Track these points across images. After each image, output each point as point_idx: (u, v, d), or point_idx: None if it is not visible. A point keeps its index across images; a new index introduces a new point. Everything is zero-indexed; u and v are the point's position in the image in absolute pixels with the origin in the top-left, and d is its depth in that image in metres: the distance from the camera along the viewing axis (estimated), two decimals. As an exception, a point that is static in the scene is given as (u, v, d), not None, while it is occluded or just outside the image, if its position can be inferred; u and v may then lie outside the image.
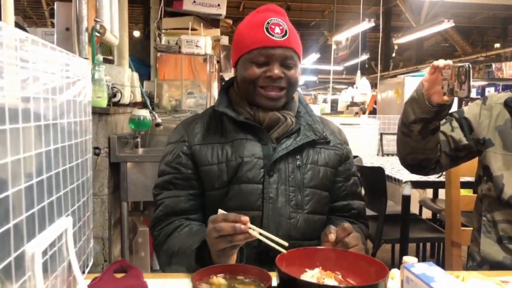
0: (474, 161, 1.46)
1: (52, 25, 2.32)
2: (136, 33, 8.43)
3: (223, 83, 1.28)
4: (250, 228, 0.86)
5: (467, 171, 1.65)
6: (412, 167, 1.44)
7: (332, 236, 0.95)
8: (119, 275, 0.90)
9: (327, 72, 9.48)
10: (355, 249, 0.93)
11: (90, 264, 0.92)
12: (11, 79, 0.54)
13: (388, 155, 3.13)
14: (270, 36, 1.09)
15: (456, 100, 1.45)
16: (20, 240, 0.56)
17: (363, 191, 1.36)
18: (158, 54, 3.70)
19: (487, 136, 1.35)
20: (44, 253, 0.63)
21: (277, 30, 1.10)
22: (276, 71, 1.09)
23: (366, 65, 8.00)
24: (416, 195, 2.55)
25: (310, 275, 0.78)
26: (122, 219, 2.37)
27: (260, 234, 0.87)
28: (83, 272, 0.85)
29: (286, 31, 1.11)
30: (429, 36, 11.30)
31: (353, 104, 4.90)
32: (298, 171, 1.14)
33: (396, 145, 1.46)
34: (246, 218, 0.86)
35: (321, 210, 1.17)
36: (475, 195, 1.55)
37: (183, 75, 3.80)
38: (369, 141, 3.28)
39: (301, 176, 1.14)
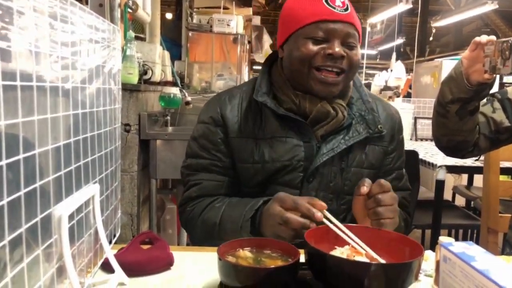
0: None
1: (87, 2, 2.34)
2: (169, 15, 8.45)
3: (263, 61, 1.15)
4: (325, 217, 0.79)
5: (507, 155, 1.57)
6: (447, 150, 1.38)
7: (364, 189, 0.86)
8: (145, 247, 0.90)
9: (367, 56, 9.27)
10: (388, 213, 0.85)
11: (118, 234, 0.92)
12: (41, 38, 0.52)
13: (422, 139, 3.03)
14: (331, 8, 0.94)
15: (497, 81, 1.37)
16: (47, 203, 0.55)
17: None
18: (190, 34, 3.68)
19: None
20: (71, 217, 0.62)
21: (338, 2, 0.95)
22: (337, 48, 0.95)
23: (401, 50, 7.74)
24: (450, 181, 2.46)
25: (339, 252, 0.75)
26: (151, 196, 2.40)
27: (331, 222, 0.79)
28: (110, 242, 0.85)
29: (347, 4, 0.97)
30: (468, 21, 10.80)
31: (386, 88, 4.76)
32: (341, 176, 1.04)
33: (431, 126, 1.40)
34: (322, 205, 0.79)
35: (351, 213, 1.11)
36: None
37: (214, 57, 3.78)
38: (404, 126, 3.17)
39: (343, 181, 1.04)
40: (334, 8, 0.94)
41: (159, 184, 2.62)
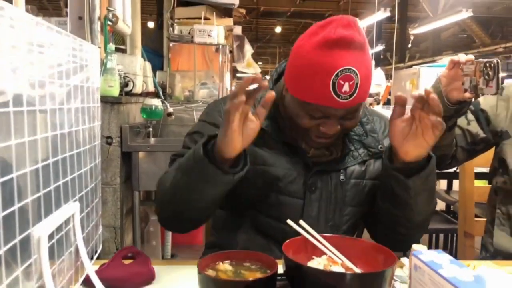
0: (489, 152, 1.43)
1: (67, 15, 2.34)
2: (150, 24, 8.45)
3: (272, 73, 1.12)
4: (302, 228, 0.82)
5: (481, 162, 1.62)
6: None
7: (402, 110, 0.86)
8: (127, 261, 0.91)
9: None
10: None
11: (99, 250, 0.93)
12: (18, 62, 0.54)
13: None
14: (335, 96, 0.86)
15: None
16: (26, 223, 0.56)
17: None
18: (171, 44, 3.70)
19: (504, 128, 1.31)
20: (51, 237, 0.63)
21: (346, 88, 0.86)
22: (333, 129, 0.93)
23: (381, 56, 7.88)
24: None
25: (316, 263, 0.77)
26: (134, 208, 2.40)
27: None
28: (92, 258, 0.86)
29: (356, 86, 0.87)
30: (446, 27, 11.05)
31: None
32: (341, 188, 1.02)
33: None
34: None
35: (357, 227, 1.11)
36: (489, 185, 1.52)
37: (196, 65, 3.79)
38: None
39: (344, 193, 1.02)
40: (339, 96, 0.87)
41: (142, 196, 2.61)
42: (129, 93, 2.48)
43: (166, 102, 2.61)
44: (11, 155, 0.52)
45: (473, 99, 1.18)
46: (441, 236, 2.93)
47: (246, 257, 0.79)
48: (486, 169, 1.86)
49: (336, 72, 0.85)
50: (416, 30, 6.65)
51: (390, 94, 4.42)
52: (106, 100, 2.18)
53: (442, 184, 2.75)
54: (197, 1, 3.74)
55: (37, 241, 0.58)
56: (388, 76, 5.87)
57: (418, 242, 0.89)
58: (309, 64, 0.88)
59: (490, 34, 12.71)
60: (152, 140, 2.51)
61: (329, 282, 0.67)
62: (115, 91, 2.19)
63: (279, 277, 0.74)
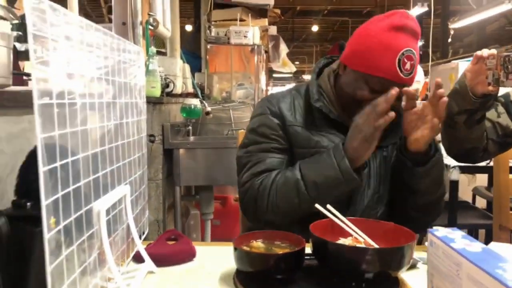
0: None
1: (110, 21, 2.49)
2: (188, 27, 8.69)
3: (315, 65, 1.26)
4: (330, 212, 0.90)
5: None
6: (458, 157, 1.43)
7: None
8: (170, 242, 1.01)
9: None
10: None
11: (146, 232, 1.03)
12: (79, 62, 0.64)
13: (440, 141, 3.06)
14: (400, 72, 1.01)
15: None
16: (88, 199, 0.67)
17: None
18: (208, 46, 3.83)
19: None
20: (107, 213, 0.73)
21: (408, 66, 1.01)
22: (386, 105, 0.99)
23: (421, 52, 7.70)
24: (466, 182, 2.49)
25: (341, 242, 0.84)
26: (176, 202, 2.53)
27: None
28: (140, 238, 0.96)
29: (414, 67, 1.03)
30: (492, 20, 10.62)
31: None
32: (384, 163, 1.14)
33: (441, 137, 1.45)
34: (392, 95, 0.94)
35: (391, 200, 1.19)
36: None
37: (233, 67, 3.91)
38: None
39: (386, 168, 1.14)
40: (402, 72, 1.01)
41: (183, 191, 2.74)
42: (170, 94, 2.62)
43: (204, 102, 2.72)
44: (77, 140, 0.62)
45: (498, 93, 1.22)
46: (482, 232, 2.89)
47: (276, 236, 0.87)
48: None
49: (402, 51, 1.01)
50: (455, 25, 6.46)
51: (428, 90, 4.35)
52: (148, 101, 2.30)
53: (478, 179, 2.70)
54: (233, 3, 3.86)
55: (97, 214, 0.69)
56: (427, 73, 5.76)
57: (429, 225, 1.01)
58: (378, 42, 1.03)
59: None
60: (191, 138, 2.63)
61: (351, 257, 0.74)
62: (157, 92, 2.33)
63: (307, 257, 0.82)
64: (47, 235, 0.52)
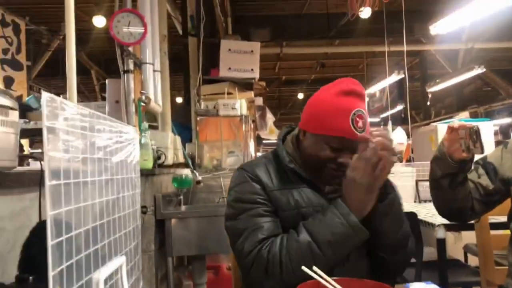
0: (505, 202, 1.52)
1: (102, 98, 2.64)
2: (179, 100, 9.00)
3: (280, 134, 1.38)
4: (316, 273, 0.96)
5: (496, 211, 1.70)
6: (449, 217, 1.54)
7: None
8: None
9: (370, 124, 9.54)
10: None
11: (140, 300, 1.06)
12: (81, 145, 0.73)
13: (425, 201, 3.14)
14: (354, 129, 1.12)
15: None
16: (88, 269, 0.72)
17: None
18: (198, 118, 3.99)
19: (510, 175, 1.43)
20: (105, 282, 0.78)
21: (360, 123, 1.13)
22: (348, 160, 1.13)
23: (403, 115, 8.05)
24: (453, 240, 2.53)
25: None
26: (168, 274, 2.51)
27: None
28: (135, 308, 0.99)
29: (365, 124, 1.15)
30: (468, 82, 11.20)
31: (390, 154, 4.93)
32: None
33: (431, 198, 1.56)
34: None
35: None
36: (507, 232, 1.59)
37: (223, 135, 4.05)
38: (406, 190, 3.31)
39: None
40: (357, 129, 1.13)
41: (175, 261, 2.73)
42: (162, 165, 2.70)
43: (195, 172, 2.81)
44: (80, 215, 0.69)
45: (474, 157, 1.36)
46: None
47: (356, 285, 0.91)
48: (504, 218, 1.92)
49: (353, 111, 1.13)
50: (432, 88, 6.85)
51: (412, 152, 4.52)
52: (141, 173, 2.38)
53: (469, 237, 2.75)
54: (220, 78, 4.09)
55: (97, 283, 0.74)
56: (410, 135, 6.01)
57: (402, 267, 1.17)
58: (332, 106, 1.16)
59: (514, 85, 12.73)
60: (183, 207, 2.68)
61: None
62: (149, 164, 2.42)
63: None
64: (53, 304, 0.57)
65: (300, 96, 13.36)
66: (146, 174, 2.40)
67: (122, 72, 2.65)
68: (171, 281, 2.50)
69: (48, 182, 0.58)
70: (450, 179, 1.38)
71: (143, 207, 2.40)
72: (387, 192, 1.16)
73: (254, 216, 1.16)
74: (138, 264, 1.05)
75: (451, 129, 1.33)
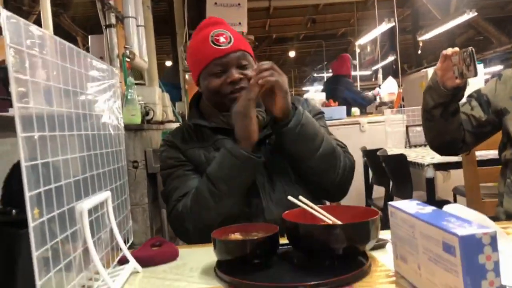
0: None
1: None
2: (168, 63, 8.85)
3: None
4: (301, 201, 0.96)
5: (481, 145, 1.71)
6: (440, 149, 1.56)
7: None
8: (155, 248, 1.05)
9: (361, 77, 9.49)
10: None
11: (131, 240, 1.07)
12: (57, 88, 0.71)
13: (416, 146, 3.17)
14: (217, 47, 1.19)
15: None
16: (70, 199, 0.72)
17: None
18: (186, 76, 3.93)
19: (503, 106, 1.44)
20: (90, 214, 0.78)
21: (222, 39, 1.20)
22: (235, 75, 1.18)
23: (394, 66, 7.98)
24: (441, 179, 2.57)
25: (313, 226, 0.90)
26: (163, 226, 2.55)
27: None
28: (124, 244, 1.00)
29: (230, 37, 1.21)
30: (460, 32, 11.03)
31: (382, 104, 4.94)
32: (275, 151, 1.22)
33: (423, 132, 1.58)
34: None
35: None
36: (492, 167, 1.62)
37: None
38: (397, 136, 3.33)
39: (280, 158, 1.22)
40: (220, 45, 1.19)
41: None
42: (151, 121, 2.68)
43: (185, 126, 2.79)
44: (51, 145, 0.68)
45: (466, 84, 1.37)
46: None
47: (253, 229, 0.92)
48: (490, 155, 1.94)
49: (210, 34, 1.21)
50: (423, 37, 6.76)
51: (403, 100, 4.52)
52: (129, 128, 2.37)
53: (453, 176, 2.79)
54: (207, 32, 4.00)
55: (80, 213, 0.74)
56: (400, 84, 5.98)
57: (341, 189, 1.23)
58: (193, 44, 1.27)
59: (507, 33, 12.60)
60: (175, 162, 2.68)
61: (321, 235, 0.80)
62: (137, 119, 2.39)
63: (283, 246, 0.87)
64: (31, 224, 0.57)
65: (292, 54, 13.18)
66: (135, 129, 2.38)
67: (104, 27, 2.58)
68: (166, 234, 2.54)
69: (17, 104, 0.57)
70: (442, 109, 1.39)
71: (134, 161, 2.39)
72: (292, 115, 1.14)
73: (174, 178, 1.24)
74: (126, 204, 1.05)
75: (444, 57, 1.33)
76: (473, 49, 1.24)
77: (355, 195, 2.74)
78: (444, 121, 1.42)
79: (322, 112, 1.38)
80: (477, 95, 1.51)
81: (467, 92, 1.46)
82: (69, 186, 0.71)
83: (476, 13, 5.16)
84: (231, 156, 1.12)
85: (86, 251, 0.76)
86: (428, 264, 0.63)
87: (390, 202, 0.78)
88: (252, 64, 1.24)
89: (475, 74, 1.22)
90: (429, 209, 0.70)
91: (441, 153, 1.59)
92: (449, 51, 1.32)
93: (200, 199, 1.15)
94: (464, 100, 1.52)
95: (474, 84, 1.73)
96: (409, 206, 0.73)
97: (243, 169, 1.13)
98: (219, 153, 1.17)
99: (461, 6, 6.82)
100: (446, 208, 0.81)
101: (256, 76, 1.09)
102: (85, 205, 0.75)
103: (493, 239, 0.54)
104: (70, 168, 0.72)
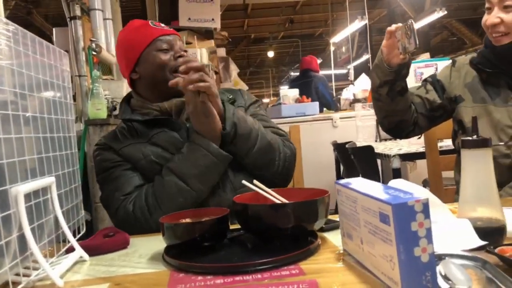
0: (449, 125, 1.55)
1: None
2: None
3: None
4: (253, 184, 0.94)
5: (442, 134, 1.74)
6: (391, 131, 1.56)
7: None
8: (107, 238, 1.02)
9: (336, 76, 9.58)
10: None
11: (82, 232, 1.03)
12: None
13: (386, 140, 3.21)
14: (160, 28, 1.25)
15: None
16: (3, 180, 0.68)
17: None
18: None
19: (457, 93, 1.46)
20: (29, 199, 0.75)
21: (162, 24, 1.27)
22: (180, 51, 1.23)
23: (369, 64, 8.09)
24: (408, 169, 2.61)
25: (264, 208, 0.88)
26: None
27: None
28: (74, 236, 0.97)
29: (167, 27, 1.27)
30: (435, 33, 11.20)
31: (355, 101, 4.99)
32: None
33: (374, 112, 1.58)
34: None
35: None
36: (454, 155, 1.63)
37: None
38: (368, 130, 3.36)
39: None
40: (163, 27, 1.26)
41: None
42: (118, 116, 2.63)
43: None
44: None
45: (410, 62, 1.39)
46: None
47: (203, 214, 0.90)
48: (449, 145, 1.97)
49: (149, 22, 1.27)
50: (397, 35, 6.87)
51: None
52: (95, 123, 2.33)
53: (419, 165, 2.83)
54: (179, 28, 3.95)
55: (15, 197, 0.70)
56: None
57: (285, 178, 1.23)
58: (128, 32, 1.28)
59: (479, 34, 12.93)
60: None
61: (269, 214, 0.79)
62: (103, 114, 2.35)
63: (235, 232, 0.86)
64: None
65: (271, 54, 13.21)
66: (100, 124, 2.33)
67: (68, 19, 2.52)
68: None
69: None
70: (388, 87, 1.40)
71: (100, 157, 2.34)
72: (224, 118, 1.15)
73: (112, 180, 1.19)
74: (76, 193, 1.02)
75: (389, 34, 1.33)
76: (413, 21, 1.25)
77: (327, 188, 2.74)
78: (391, 101, 1.43)
79: (258, 100, 1.39)
80: (432, 80, 1.53)
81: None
82: (1, 167, 0.68)
83: (446, 12, 5.26)
84: (209, 154, 1.11)
85: (23, 238, 0.73)
86: (369, 237, 0.63)
87: (337, 180, 0.77)
88: (183, 44, 1.31)
89: (416, 46, 1.23)
90: (372, 184, 0.70)
91: (393, 135, 1.60)
92: (393, 27, 1.32)
93: (166, 199, 1.11)
94: (419, 83, 1.55)
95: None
96: (354, 182, 0.73)
97: (219, 167, 1.13)
98: (187, 149, 1.14)
99: (434, 7, 6.96)
100: (391, 183, 0.81)
101: (188, 76, 1.08)
102: (21, 188, 0.72)
103: (425, 206, 0.53)
104: (2, 148, 0.69)
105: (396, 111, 1.46)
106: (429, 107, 1.50)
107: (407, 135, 1.58)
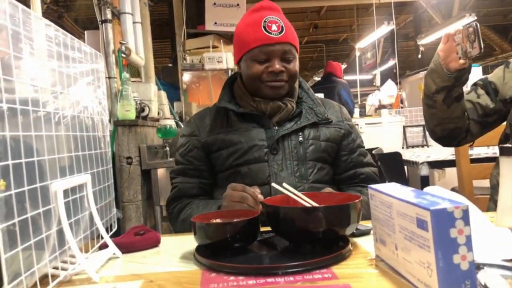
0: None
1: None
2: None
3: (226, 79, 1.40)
4: (284, 188, 0.95)
5: (478, 142, 1.69)
6: (443, 139, 1.48)
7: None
8: (138, 237, 1.03)
9: (361, 82, 9.52)
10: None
11: (114, 229, 1.06)
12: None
13: (413, 147, 3.16)
14: (268, 34, 1.17)
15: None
16: (44, 176, 0.71)
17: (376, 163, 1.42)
18: (184, 74, 3.93)
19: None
20: (67, 195, 0.77)
21: (274, 27, 1.18)
22: (277, 66, 1.19)
23: (394, 70, 7.98)
24: (437, 177, 2.56)
25: (294, 211, 0.88)
26: (157, 224, 2.54)
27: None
28: (107, 232, 0.99)
29: (282, 27, 1.19)
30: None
31: (381, 106, 4.94)
32: (301, 147, 1.24)
33: (424, 120, 1.50)
34: (261, 197, 0.99)
35: (324, 180, 1.26)
36: (485, 163, 1.59)
37: (214, 93, 3.99)
38: (393, 137, 3.32)
39: (304, 150, 1.24)
40: (271, 33, 1.18)
41: (164, 212, 2.75)
42: (146, 118, 2.68)
43: (179, 122, 2.78)
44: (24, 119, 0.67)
45: (471, 67, 1.30)
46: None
47: (233, 215, 0.91)
48: (483, 154, 1.92)
49: (264, 19, 1.19)
50: (423, 41, 6.75)
51: (402, 102, 4.51)
52: (124, 124, 2.37)
53: (448, 174, 2.77)
54: (206, 32, 4.00)
55: (55, 193, 0.73)
56: (399, 86, 5.99)
57: None
58: (243, 25, 1.23)
59: (509, 40, 12.60)
60: (170, 158, 2.67)
61: (300, 217, 0.79)
62: (131, 115, 2.39)
63: (265, 234, 0.86)
64: (-4, 194, 0.56)
65: (294, 58, 13.16)
66: (129, 125, 2.38)
67: (100, 22, 2.58)
68: (160, 231, 2.52)
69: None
70: (445, 94, 1.33)
71: (128, 157, 2.39)
72: None
73: (179, 173, 1.30)
74: (109, 191, 1.04)
75: (447, 37, 1.27)
76: (478, 24, 1.17)
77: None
78: (447, 108, 1.35)
79: (355, 126, 1.40)
80: (484, 83, 1.44)
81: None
82: (43, 164, 0.70)
83: (475, 18, 5.14)
84: None
85: (62, 233, 0.75)
86: (404, 243, 0.62)
87: (370, 185, 0.77)
88: (296, 58, 1.25)
89: (480, 50, 1.15)
90: (407, 189, 0.69)
91: (443, 143, 1.49)
92: (452, 30, 1.25)
93: (187, 228, 1.18)
94: (469, 88, 1.46)
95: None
96: (389, 187, 0.72)
97: None
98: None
99: (462, 12, 6.84)
100: (426, 189, 0.80)
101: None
102: (60, 184, 0.74)
103: (465, 213, 0.52)
104: (44, 146, 0.71)
105: (452, 118, 1.38)
106: (481, 113, 1.42)
107: (458, 143, 1.49)
